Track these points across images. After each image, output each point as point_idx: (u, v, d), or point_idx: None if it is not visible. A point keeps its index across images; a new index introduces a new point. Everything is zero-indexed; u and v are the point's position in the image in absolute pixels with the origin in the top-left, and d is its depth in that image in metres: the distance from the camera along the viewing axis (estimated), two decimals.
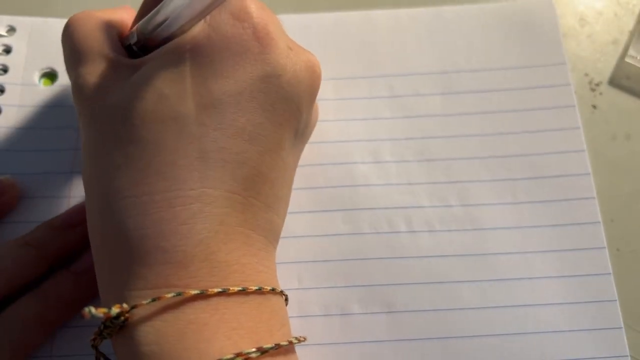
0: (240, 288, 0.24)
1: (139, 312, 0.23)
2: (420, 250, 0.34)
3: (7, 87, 0.37)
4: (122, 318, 0.22)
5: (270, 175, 0.26)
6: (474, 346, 0.32)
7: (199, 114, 0.24)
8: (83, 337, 0.32)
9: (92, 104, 0.26)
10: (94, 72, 0.26)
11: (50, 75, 0.38)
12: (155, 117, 0.24)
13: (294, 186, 0.30)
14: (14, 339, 0.30)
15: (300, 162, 0.32)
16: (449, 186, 0.35)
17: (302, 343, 0.26)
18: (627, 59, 0.39)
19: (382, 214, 0.35)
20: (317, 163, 0.36)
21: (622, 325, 0.32)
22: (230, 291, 0.23)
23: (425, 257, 0.34)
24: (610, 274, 0.33)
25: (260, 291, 0.24)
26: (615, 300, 0.33)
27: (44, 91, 0.37)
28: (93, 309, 0.22)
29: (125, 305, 0.22)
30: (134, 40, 0.27)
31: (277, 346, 0.23)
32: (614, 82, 0.39)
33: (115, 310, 0.22)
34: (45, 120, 0.36)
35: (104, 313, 0.22)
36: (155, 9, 0.25)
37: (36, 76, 0.37)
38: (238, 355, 0.22)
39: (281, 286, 0.27)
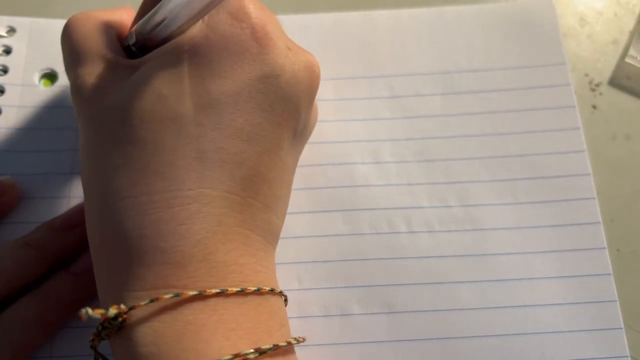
0: (238, 289, 0.24)
1: (137, 313, 0.23)
2: (420, 250, 0.34)
3: (7, 88, 0.37)
4: (120, 319, 0.22)
5: (268, 176, 0.26)
6: (474, 347, 0.32)
7: (197, 114, 0.24)
8: (83, 337, 0.32)
9: (90, 104, 0.26)
10: (92, 73, 0.26)
11: (50, 76, 0.38)
12: (153, 117, 0.24)
13: (293, 186, 0.30)
14: (14, 339, 0.30)
15: (300, 163, 0.32)
16: (448, 186, 0.35)
17: (302, 344, 0.26)
18: (627, 59, 0.39)
19: (382, 214, 0.35)
20: (317, 163, 0.36)
21: (622, 326, 0.32)
22: (228, 292, 0.23)
23: (425, 258, 0.34)
24: (610, 274, 0.33)
25: (258, 292, 0.24)
26: (616, 300, 0.33)
27: (44, 92, 0.37)
28: (90, 310, 0.22)
29: (123, 306, 0.22)
30: (132, 41, 0.27)
31: (276, 347, 0.23)
32: (614, 82, 0.39)
33: (112, 311, 0.22)
34: (45, 121, 0.36)
35: (102, 314, 0.22)
36: (154, 9, 0.25)
37: (36, 77, 0.37)
38: (236, 356, 0.22)
39: (281, 287, 0.27)
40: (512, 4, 0.40)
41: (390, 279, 0.33)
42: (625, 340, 0.32)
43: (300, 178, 0.34)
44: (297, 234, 0.34)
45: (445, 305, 0.33)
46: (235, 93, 0.25)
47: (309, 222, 0.35)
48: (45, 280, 0.31)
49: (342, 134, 0.37)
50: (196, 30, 0.25)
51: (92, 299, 0.31)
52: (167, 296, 0.22)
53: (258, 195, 0.26)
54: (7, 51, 0.38)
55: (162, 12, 0.25)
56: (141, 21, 0.26)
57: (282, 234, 0.29)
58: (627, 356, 0.32)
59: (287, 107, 0.26)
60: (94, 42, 0.27)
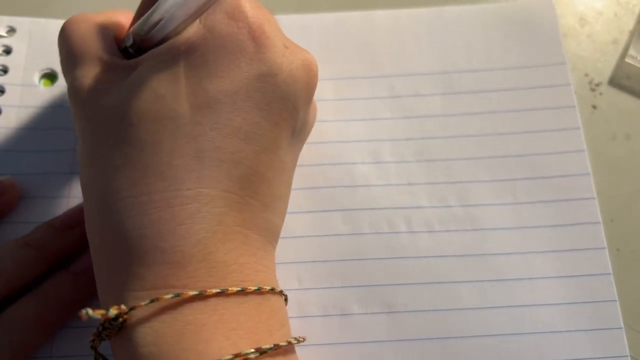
0: (239, 288, 0.24)
1: (137, 314, 0.23)
2: (420, 250, 0.34)
3: (7, 88, 0.37)
4: (121, 319, 0.22)
5: (267, 175, 0.26)
6: (474, 346, 0.32)
7: (194, 114, 0.24)
8: (83, 337, 0.32)
9: (88, 105, 0.26)
10: (89, 74, 0.26)
11: (50, 76, 0.38)
12: (152, 116, 0.24)
13: (293, 186, 0.30)
14: (14, 339, 0.30)
15: (300, 162, 0.32)
16: (448, 186, 0.35)
17: (302, 343, 0.26)
18: (627, 59, 0.39)
19: (381, 214, 0.35)
20: (317, 163, 0.36)
21: (622, 326, 0.32)
22: (228, 291, 0.23)
23: (424, 258, 0.34)
24: (610, 274, 0.33)
25: (259, 291, 0.24)
26: (615, 300, 0.33)
27: (43, 92, 0.37)
28: (90, 311, 0.22)
29: (123, 307, 0.22)
30: (130, 42, 0.27)
31: (276, 346, 0.23)
32: (614, 82, 0.39)
33: (113, 311, 0.22)
34: (45, 121, 0.36)
35: (102, 315, 0.22)
36: (150, 10, 0.25)
37: (36, 77, 0.37)
38: (237, 356, 0.22)
39: (281, 286, 0.27)
40: (512, 4, 0.40)
41: (390, 278, 0.33)
42: (625, 340, 0.32)
43: (300, 178, 0.34)
44: (297, 233, 0.34)
45: (445, 305, 0.33)
46: (232, 92, 0.25)
47: (308, 222, 0.35)
48: (45, 280, 0.31)
49: (342, 133, 0.37)
50: (193, 30, 0.25)
51: (92, 299, 0.31)
52: (168, 296, 0.22)
53: (257, 194, 0.26)
54: (7, 51, 0.38)
55: (158, 13, 0.25)
56: (138, 22, 0.26)
57: (281, 234, 0.29)
58: (627, 356, 0.32)
59: (285, 105, 0.26)
60: (90, 44, 0.27)
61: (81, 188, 0.27)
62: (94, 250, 0.25)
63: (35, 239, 0.32)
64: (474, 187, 0.35)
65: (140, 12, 0.28)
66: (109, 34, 0.28)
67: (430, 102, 0.37)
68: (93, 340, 0.24)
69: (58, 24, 0.38)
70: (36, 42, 0.38)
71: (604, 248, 0.34)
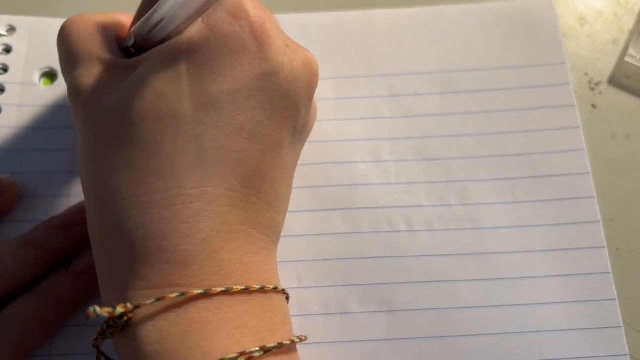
0: (243, 287, 0.24)
1: (142, 312, 0.23)
2: (420, 249, 0.34)
3: (7, 87, 0.37)
4: (126, 318, 0.22)
5: (270, 174, 0.26)
6: (473, 345, 0.32)
7: (196, 113, 0.24)
8: (82, 336, 0.32)
9: (89, 105, 0.26)
10: (90, 74, 0.26)
11: (50, 75, 0.38)
12: (153, 116, 0.24)
13: (293, 185, 0.30)
14: (14, 339, 0.30)
15: (300, 161, 0.32)
16: (448, 185, 0.35)
17: (302, 342, 0.26)
18: (627, 59, 0.39)
19: (381, 213, 0.35)
20: (317, 162, 0.36)
21: (622, 325, 0.32)
22: (233, 290, 0.23)
23: (424, 256, 0.34)
24: (609, 273, 0.33)
25: (262, 290, 0.24)
26: (615, 299, 0.33)
27: (43, 91, 0.37)
28: (98, 309, 0.22)
29: (129, 305, 0.22)
30: (131, 42, 0.27)
31: (280, 345, 0.23)
32: (613, 81, 0.39)
33: (119, 309, 0.22)
34: (45, 120, 0.36)
35: (109, 312, 0.22)
36: (152, 9, 0.25)
37: (36, 76, 0.37)
38: (241, 354, 0.22)
39: (281, 285, 0.27)
40: (511, 3, 0.40)
41: (390, 277, 0.33)
42: (625, 339, 0.32)
43: (300, 177, 0.34)
44: (297, 232, 0.34)
45: (445, 304, 0.33)
46: (235, 91, 0.25)
47: (308, 221, 0.35)
48: (44, 278, 0.31)
49: (341, 133, 0.37)
50: (195, 29, 0.25)
51: (91, 298, 0.31)
52: (173, 295, 0.22)
53: (260, 193, 0.26)
54: (7, 50, 0.38)
55: (160, 12, 0.25)
56: (140, 22, 0.26)
57: (282, 233, 0.29)
58: (626, 355, 0.32)
59: (286, 104, 0.26)
60: (90, 43, 0.27)
61: (82, 188, 0.26)
62: (96, 249, 0.25)
63: (35, 238, 0.32)
64: (474, 186, 0.35)
65: (142, 12, 0.28)
66: (109, 33, 0.28)
67: (429, 101, 0.37)
68: (96, 339, 0.24)
69: (58, 23, 0.37)
70: (36, 41, 0.38)
71: (604, 247, 0.34)
